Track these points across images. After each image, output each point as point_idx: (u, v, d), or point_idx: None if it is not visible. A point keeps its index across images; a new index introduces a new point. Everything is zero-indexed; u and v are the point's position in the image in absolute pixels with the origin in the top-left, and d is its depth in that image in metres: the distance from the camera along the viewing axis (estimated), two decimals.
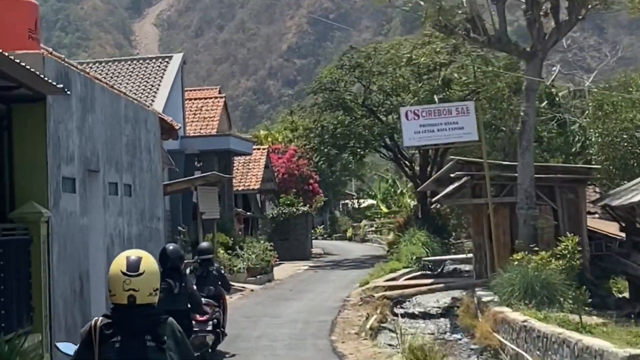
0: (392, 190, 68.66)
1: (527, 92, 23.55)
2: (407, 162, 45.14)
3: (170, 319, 5.39)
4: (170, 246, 12.62)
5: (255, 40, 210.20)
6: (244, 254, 32.97)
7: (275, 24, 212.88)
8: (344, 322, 21.28)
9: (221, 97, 42.20)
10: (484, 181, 24.55)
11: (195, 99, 41.38)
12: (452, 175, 26.72)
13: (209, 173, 29.39)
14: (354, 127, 41.96)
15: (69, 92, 12.63)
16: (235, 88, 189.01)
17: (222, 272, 16.90)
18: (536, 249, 21.47)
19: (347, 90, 43.71)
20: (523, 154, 23.35)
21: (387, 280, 29.62)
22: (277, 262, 37.58)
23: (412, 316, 26.84)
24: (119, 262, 5.17)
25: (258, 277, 32.39)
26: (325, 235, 70.59)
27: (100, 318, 5.20)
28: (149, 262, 5.24)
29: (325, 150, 42.40)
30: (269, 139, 55.73)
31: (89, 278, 14.28)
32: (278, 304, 25.74)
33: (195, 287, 14.17)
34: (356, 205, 79.45)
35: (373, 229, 71.49)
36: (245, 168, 45.21)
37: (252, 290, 29.76)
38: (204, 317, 14.40)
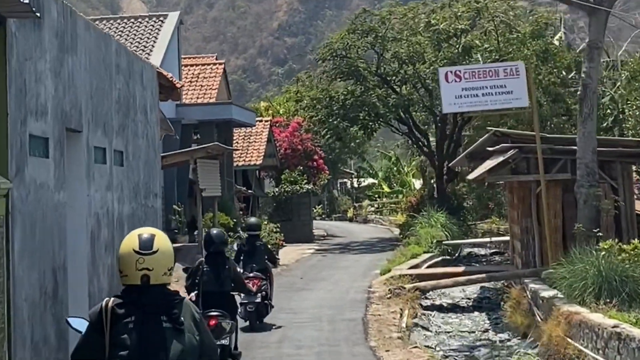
0: (395, 168, 65.22)
1: (590, 50, 19.99)
2: (422, 137, 41.50)
3: (187, 299, 4.98)
4: (214, 231, 12.85)
5: (246, 18, 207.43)
6: None
7: (266, 2, 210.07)
8: (377, 321, 17.78)
9: (220, 64, 38.51)
10: (531, 155, 21.17)
11: (192, 65, 37.71)
12: (490, 149, 23.31)
13: (211, 144, 25.80)
14: (367, 98, 38.07)
15: (38, 14, 9.02)
16: (225, 66, 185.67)
17: (269, 246, 18.02)
18: (600, 234, 18.18)
19: (360, 57, 39.88)
20: (584, 123, 19.84)
21: (411, 268, 26.21)
22: (282, 245, 34.03)
23: (440, 309, 23.52)
24: (131, 241, 4.87)
25: None
26: (323, 215, 66.85)
27: (112, 298, 4.83)
28: (163, 240, 4.93)
29: (335, 122, 38.49)
30: (270, 112, 51.90)
31: (65, 273, 10.71)
32: (290, 295, 22.22)
33: (242, 261, 16.48)
34: (356, 184, 75.83)
35: (373, 209, 68.11)
36: (245, 142, 41.45)
37: None
38: (254, 289, 15.51)
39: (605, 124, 36.31)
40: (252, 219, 18.52)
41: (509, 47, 35.93)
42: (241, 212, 35.09)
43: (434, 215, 35.05)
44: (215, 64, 38.37)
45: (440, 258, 30.78)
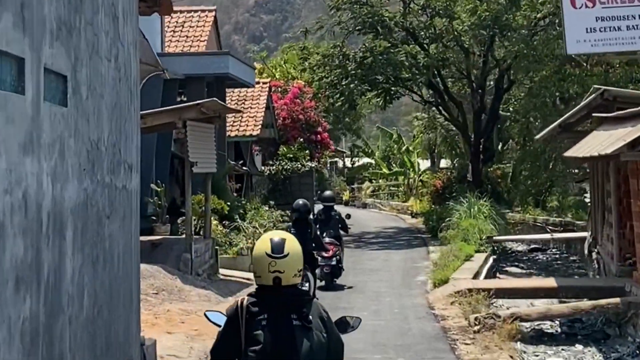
0: (396, 147, 58.29)
1: None
2: (455, 108, 34.38)
3: (315, 299, 5.25)
4: (300, 201, 16.02)
5: None
6: (247, 227, 22.42)
7: None
8: None
9: (210, 11, 31.26)
10: None
11: (175, 12, 30.49)
12: (603, 115, 16.59)
13: (208, 100, 18.68)
14: (392, 56, 30.73)
15: None
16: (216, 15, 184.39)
17: (342, 216, 19.93)
18: None
19: (383, 5, 32.63)
20: None
21: (475, 277, 19.47)
22: None
23: (522, 338, 16.64)
24: (263, 244, 5.07)
25: None
26: (314, 198, 59.83)
27: (246, 297, 5.06)
28: (293, 244, 5.10)
29: (352, 85, 31.17)
30: (264, 76, 44.48)
31: None
32: None
33: (319, 228, 18.07)
34: (349, 164, 68.69)
35: (369, 192, 61.34)
36: (239, 107, 34.23)
37: None
38: (329, 254, 18.39)
39: None
40: (328, 192, 20.46)
41: None
42: (236, 195, 28.02)
43: (476, 204, 28.19)
44: (204, 10, 31.13)
45: (491, 259, 24.19)
